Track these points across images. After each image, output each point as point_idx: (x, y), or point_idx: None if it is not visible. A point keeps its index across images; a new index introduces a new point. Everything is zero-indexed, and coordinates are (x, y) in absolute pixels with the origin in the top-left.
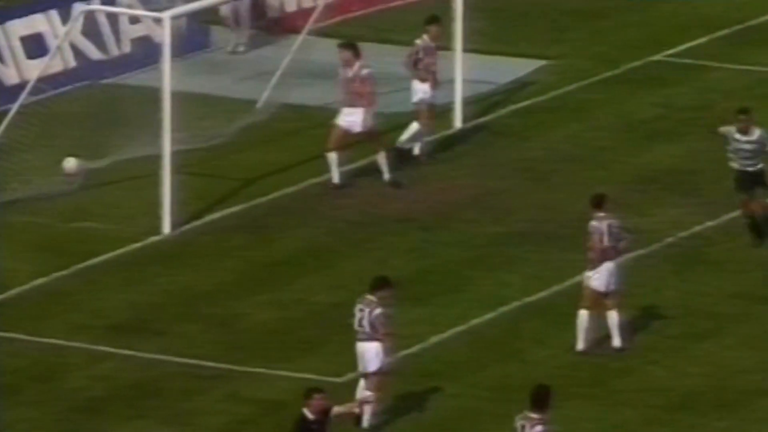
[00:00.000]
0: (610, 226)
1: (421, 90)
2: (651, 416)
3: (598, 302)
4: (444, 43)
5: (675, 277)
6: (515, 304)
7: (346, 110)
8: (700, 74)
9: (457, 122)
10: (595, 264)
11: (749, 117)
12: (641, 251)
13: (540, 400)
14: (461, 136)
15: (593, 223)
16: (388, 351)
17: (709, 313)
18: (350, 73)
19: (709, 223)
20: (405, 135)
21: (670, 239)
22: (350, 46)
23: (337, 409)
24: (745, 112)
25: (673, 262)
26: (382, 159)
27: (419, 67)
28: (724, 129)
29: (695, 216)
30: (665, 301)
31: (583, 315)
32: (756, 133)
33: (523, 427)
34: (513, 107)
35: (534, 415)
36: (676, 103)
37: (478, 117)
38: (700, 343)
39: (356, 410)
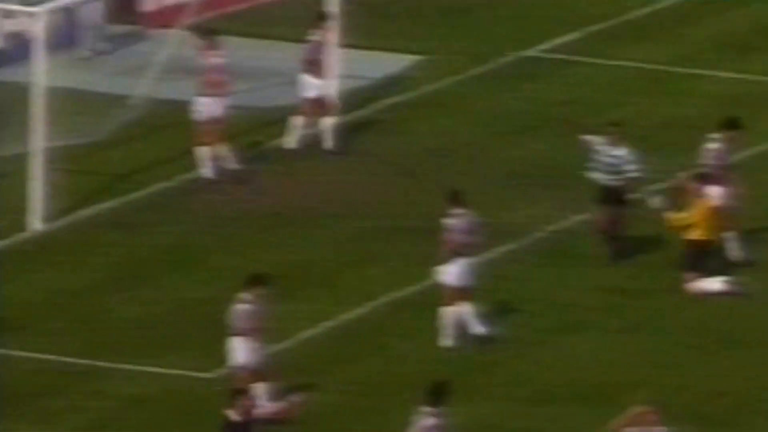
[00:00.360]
0: (465, 223)
1: (315, 85)
2: (514, 409)
3: (457, 297)
4: (334, 39)
5: (543, 271)
6: (383, 299)
7: (199, 100)
8: (570, 69)
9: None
10: (448, 260)
11: (620, 130)
12: (510, 245)
13: (434, 395)
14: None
15: (448, 219)
16: (255, 347)
17: (575, 307)
18: (204, 62)
19: (577, 218)
20: (327, 135)
21: (538, 233)
22: (204, 34)
23: (263, 411)
24: (616, 125)
25: (541, 256)
26: (224, 151)
27: (315, 63)
28: (589, 138)
29: (563, 210)
30: (533, 295)
31: (446, 311)
32: (622, 150)
33: (416, 420)
34: (386, 102)
35: (428, 409)
36: (546, 98)
37: (352, 112)
38: (565, 336)
39: (284, 411)
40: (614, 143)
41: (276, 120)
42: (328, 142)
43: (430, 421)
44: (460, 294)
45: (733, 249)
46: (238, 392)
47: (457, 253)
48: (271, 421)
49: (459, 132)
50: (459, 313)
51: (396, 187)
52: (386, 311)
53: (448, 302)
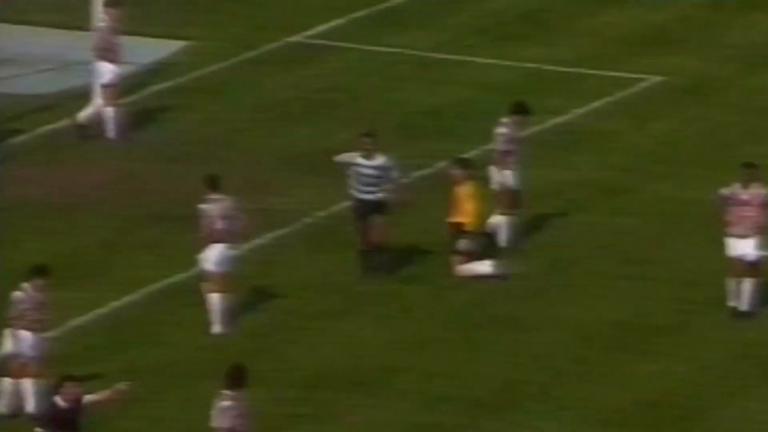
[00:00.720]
0: (223, 208)
1: (110, 71)
2: (287, 395)
3: (221, 283)
4: (123, 25)
5: (313, 256)
6: (154, 286)
7: None
8: (336, 55)
9: (98, 103)
10: (207, 245)
11: (373, 141)
12: (280, 231)
13: (231, 379)
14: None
15: (204, 205)
16: (33, 337)
17: (345, 292)
18: None
19: (346, 203)
20: (109, 125)
21: (308, 219)
22: None
23: (90, 398)
24: (369, 136)
25: (311, 242)
26: None
27: (109, 49)
28: (342, 156)
29: (332, 196)
30: (303, 280)
31: (213, 297)
32: (380, 159)
33: (216, 404)
34: (153, 88)
35: (227, 393)
36: (313, 84)
37: (120, 98)
38: (336, 321)
39: (112, 398)
40: (370, 155)
41: (42, 107)
42: (111, 130)
43: (229, 404)
44: (222, 280)
45: (505, 232)
46: (64, 378)
47: (216, 239)
48: (95, 409)
49: (227, 118)
50: (223, 299)
51: (165, 175)
52: (158, 298)
53: (213, 289)
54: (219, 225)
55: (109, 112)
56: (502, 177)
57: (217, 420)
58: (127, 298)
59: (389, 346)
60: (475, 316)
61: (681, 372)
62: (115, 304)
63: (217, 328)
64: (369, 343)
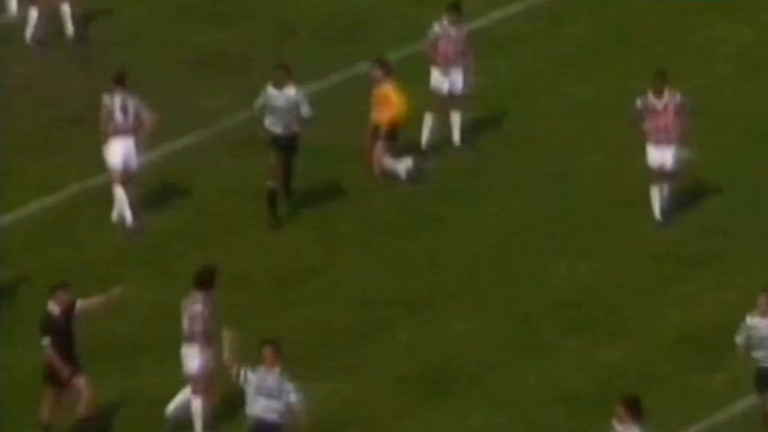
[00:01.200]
0: (124, 101)
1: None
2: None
3: (124, 179)
4: None
5: (232, 159)
6: (72, 188)
7: None
8: None
9: (13, 6)
10: (112, 141)
11: (288, 71)
12: (200, 134)
13: (202, 280)
14: (20, 22)
15: (107, 99)
16: None
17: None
18: None
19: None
20: (30, 28)
21: (226, 122)
22: None
23: (82, 303)
24: (281, 68)
25: (229, 145)
26: None
27: None
28: (264, 96)
29: (248, 99)
30: (223, 183)
31: (119, 193)
32: (292, 90)
33: (187, 306)
34: None
35: (198, 295)
36: None
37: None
38: (255, 224)
39: (105, 303)
40: (282, 83)
41: None
42: (29, 33)
43: (201, 307)
44: (129, 173)
45: (429, 133)
46: (57, 285)
47: (117, 133)
48: (89, 315)
49: (140, 20)
50: (130, 190)
51: (77, 77)
52: (76, 200)
53: (121, 182)
54: (119, 119)
55: (33, 14)
56: (437, 78)
57: (191, 324)
58: (45, 201)
59: (310, 248)
60: (394, 217)
61: (599, 270)
62: (32, 206)
63: (128, 219)
64: (289, 245)
